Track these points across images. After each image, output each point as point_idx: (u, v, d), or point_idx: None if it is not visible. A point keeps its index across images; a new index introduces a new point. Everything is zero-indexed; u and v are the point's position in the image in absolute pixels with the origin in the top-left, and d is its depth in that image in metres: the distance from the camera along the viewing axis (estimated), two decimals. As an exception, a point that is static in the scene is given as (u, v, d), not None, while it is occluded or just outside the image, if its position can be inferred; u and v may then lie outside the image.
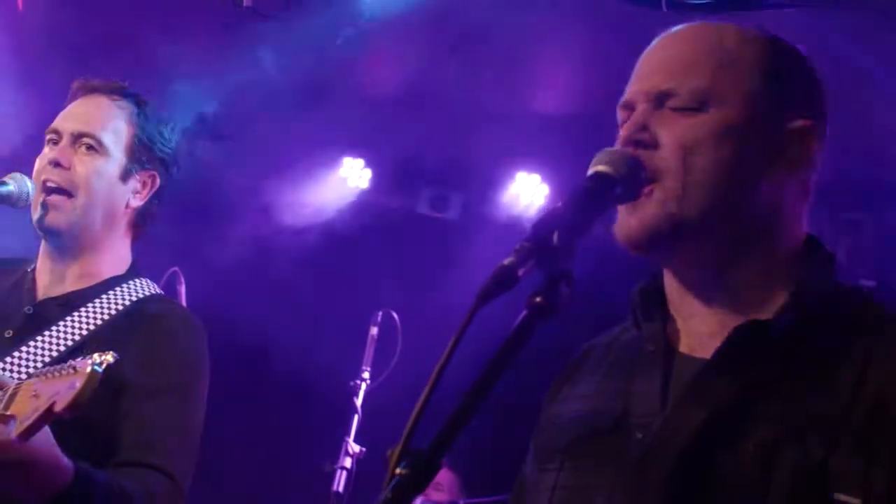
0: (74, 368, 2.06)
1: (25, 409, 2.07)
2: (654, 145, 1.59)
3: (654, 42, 1.70)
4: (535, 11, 4.94)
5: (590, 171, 1.52)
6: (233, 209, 6.55)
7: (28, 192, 2.63)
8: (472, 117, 5.74)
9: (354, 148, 6.64)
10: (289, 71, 5.57)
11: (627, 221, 1.60)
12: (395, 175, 6.67)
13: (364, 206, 6.75)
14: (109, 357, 2.08)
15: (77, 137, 2.61)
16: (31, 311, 2.58)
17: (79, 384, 2.01)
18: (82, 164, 2.60)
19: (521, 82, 5.55)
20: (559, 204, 1.44)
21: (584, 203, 1.45)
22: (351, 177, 6.71)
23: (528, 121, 5.81)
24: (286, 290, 6.40)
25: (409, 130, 5.93)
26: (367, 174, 6.71)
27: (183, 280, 4.53)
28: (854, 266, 5.19)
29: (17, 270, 2.72)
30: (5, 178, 2.64)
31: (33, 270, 2.68)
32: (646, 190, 1.57)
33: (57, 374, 2.10)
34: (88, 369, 2.03)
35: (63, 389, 2.03)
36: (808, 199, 1.68)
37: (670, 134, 1.58)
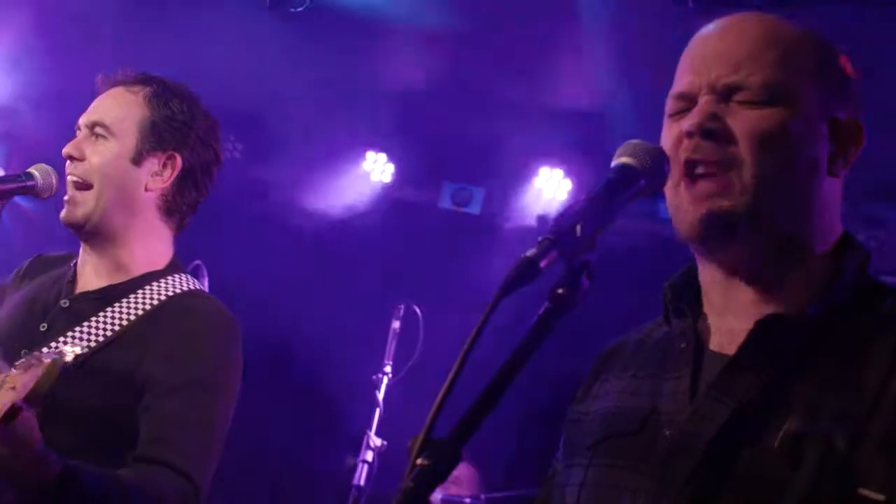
0: (40, 360, 2.05)
1: (4, 401, 2.06)
2: (725, 137, 1.57)
3: (707, 31, 1.68)
4: (559, 6, 4.95)
5: (614, 163, 1.51)
6: (257, 204, 6.59)
7: (52, 183, 2.63)
8: (495, 113, 5.75)
9: (378, 143, 6.67)
10: (312, 66, 5.60)
11: (697, 212, 1.58)
12: (417, 170, 6.70)
13: (387, 200, 6.78)
14: (77, 349, 2.11)
15: (91, 128, 2.62)
16: (66, 305, 2.58)
17: (37, 375, 2.01)
18: (94, 153, 2.60)
19: (544, 78, 5.55)
20: (583, 197, 1.44)
21: (607, 195, 1.45)
22: (374, 171, 6.74)
23: (550, 116, 5.81)
24: (309, 284, 6.43)
25: (431, 126, 5.95)
26: (391, 169, 6.74)
27: (206, 273, 4.57)
28: (876, 261, 5.14)
29: (64, 265, 2.71)
30: (30, 170, 2.64)
31: (75, 265, 2.68)
32: (723, 181, 1.57)
33: (30, 364, 2.08)
34: (49, 362, 2.02)
35: (27, 382, 2.03)
36: (842, 193, 1.69)
37: (743, 127, 1.57)
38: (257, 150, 6.68)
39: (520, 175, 6.54)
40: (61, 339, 2.48)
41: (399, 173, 6.76)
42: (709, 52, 1.64)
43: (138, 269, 2.62)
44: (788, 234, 1.61)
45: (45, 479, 2.14)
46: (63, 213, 2.59)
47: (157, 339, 2.49)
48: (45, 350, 2.12)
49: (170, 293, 2.59)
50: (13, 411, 2.02)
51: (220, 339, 2.56)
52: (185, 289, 2.63)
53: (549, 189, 6.43)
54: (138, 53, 5.35)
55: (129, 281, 2.60)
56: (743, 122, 1.57)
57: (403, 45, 5.47)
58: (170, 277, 2.63)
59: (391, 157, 6.73)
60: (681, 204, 1.60)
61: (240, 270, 5.89)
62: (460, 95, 5.64)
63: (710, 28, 1.68)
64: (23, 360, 2.13)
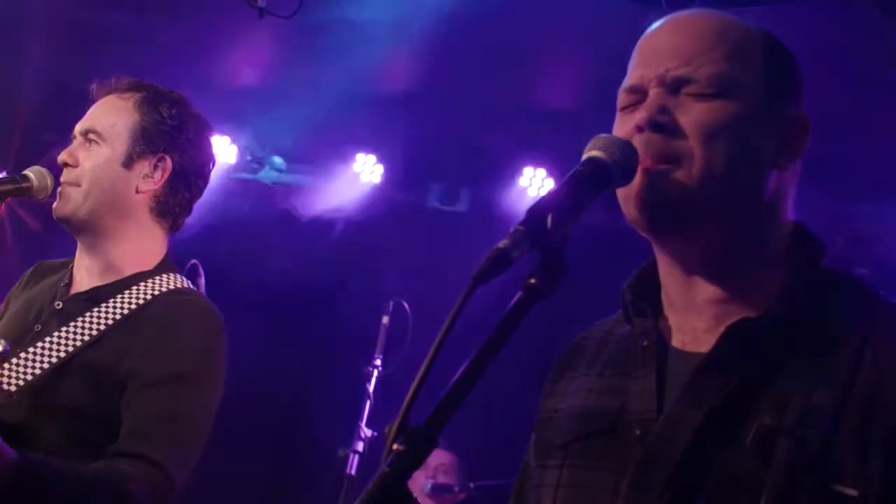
0: None
1: None
2: (674, 129, 1.57)
3: (658, 25, 1.68)
4: (541, 9, 5.01)
5: (584, 157, 1.51)
6: (249, 205, 6.65)
7: (47, 185, 2.64)
8: (480, 114, 5.80)
9: (367, 144, 6.74)
10: (303, 70, 5.65)
11: (645, 194, 1.57)
12: (405, 170, 6.76)
13: (376, 200, 6.83)
14: None
15: (85, 135, 2.67)
16: (60, 307, 2.61)
17: None
18: (87, 158, 2.64)
19: (527, 78, 5.60)
20: (554, 189, 1.44)
21: (577, 187, 1.45)
22: (364, 172, 6.79)
23: (534, 116, 5.88)
24: (302, 281, 6.49)
25: (419, 126, 6.00)
26: (380, 170, 6.79)
27: (202, 272, 4.63)
28: (849, 254, 5.24)
29: (64, 270, 2.75)
30: (26, 172, 2.66)
31: (72, 268, 2.71)
32: (661, 167, 1.56)
33: None
34: None
35: None
36: (795, 186, 1.69)
37: (691, 119, 1.57)
38: (249, 154, 6.75)
39: (505, 174, 6.61)
40: (48, 338, 2.51)
41: (388, 174, 6.82)
42: (659, 45, 1.65)
43: (129, 270, 2.65)
44: (741, 227, 1.61)
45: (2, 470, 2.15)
46: (54, 206, 2.63)
47: (140, 336, 2.50)
48: None
49: (156, 292, 2.61)
50: None
51: (201, 334, 2.57)
52: (171, 287, 2.64)
53: (533, 188, 6.50)
54: (132, 58, 5.47)
55: (118, 281, 2.63)
56: (691, 114, 1.58)
57: (391, 48, 5.54)
58: (158, 277, 2.64)
59: (380, 159, 6.79)
60: (631, 190, 1.59)
61: (233, 269, 5.98)
62: (446, 97, 5.70)
63: (661, 22, 1.68)
64: None
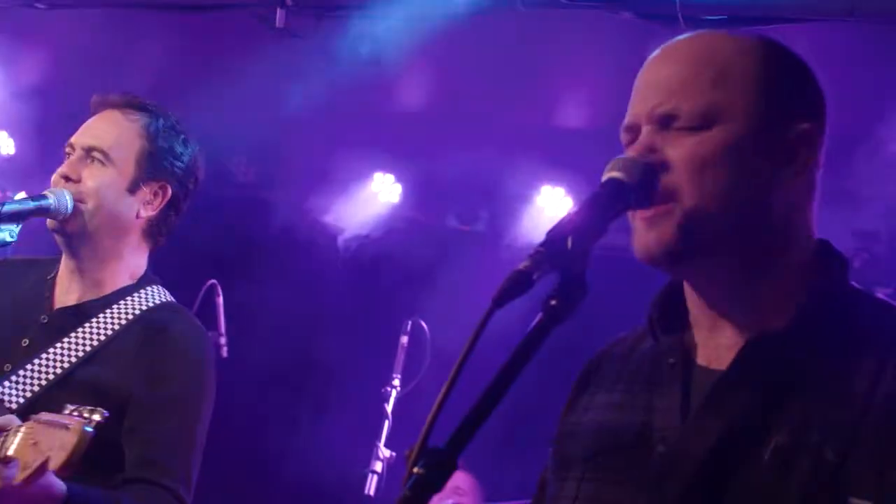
0: (67, 427, 2.16)
1: (26, 456, 2.19)
2: (664, 167, 1.57)
3: (650, 59, 1.67)
4: (559, 30, 5.02)
5: (604, 178, 1.53)
6: (269, 224, 6.67)
7: (66, 205, 2.65)
8: (499, 133, 5.81)
9: (385, 164, 6.75)
10: (321, 90, 5.67)
11: (646, 238, 1.59)
12: (424, 190, 6.76)
13: (394, 219, 6.83)
14: (97, 416, 2.18)
15: (88, 151, 2.68)
16: (46, 321, 2.66)
17: (70, 445, 2.14)
18: (91, 177, 2.66)
19: (545, 98, 5.61)
20: (574, 210, 1.46)
21: (597, 209, 1.47)
22: (382, 192, 6.79)
23: (552, 136, 5.89)
24: (320, 302, 6.49)
25: (437, 146, 6.01)
26: (398, 189, 6.79)
27: (220, 292, 4.66)
28: (869, 274, 5.22)
29: (39, 274, 2.78)
30: (45, 192, 2.68)
31: (53, 278, 2.74)
32: (662, 208, 1.56)
33: (53, 424, 2.19)
34: (80, 430, 2.15)
35: (56, 447, 2.15)
36: (816, 198, 1.67)
37: (679, 154, 1.57)
38: (267, 174, 6.78)
39: (523, 193, 6.58)
40: (44, 355, 2.55)
41: (406, 193, 6.81)
42: (648, 80, 1.65)
43: (115, 285, 2.71)
44: (753, 249, 1.60)
45: None
46: (56, 224, 2.66)
47: (136, 358, 2.57)
48: (67, 410, 2.21)
49: (143, 307, 2.67)
50: (44, 470, 2.16)
51: (197, 356, 2.66)
52: (157, 302, 2.71)
53: (551, 207, 6.45)
54: (149, 81, 5.51)
55: (104, 296, 2.68)
56: (679, 148, 1.57)
57: (409, 69, 5.55)
58: (143, 291, 2.71)
59: (398, 178, 6.79)
60: (636, 229, 1.62)
61: (251, 288, 5.99)
62: (465, 116, 5.71)
63: (653, 55, 1.68)
64: (43, 415, 2.24)
